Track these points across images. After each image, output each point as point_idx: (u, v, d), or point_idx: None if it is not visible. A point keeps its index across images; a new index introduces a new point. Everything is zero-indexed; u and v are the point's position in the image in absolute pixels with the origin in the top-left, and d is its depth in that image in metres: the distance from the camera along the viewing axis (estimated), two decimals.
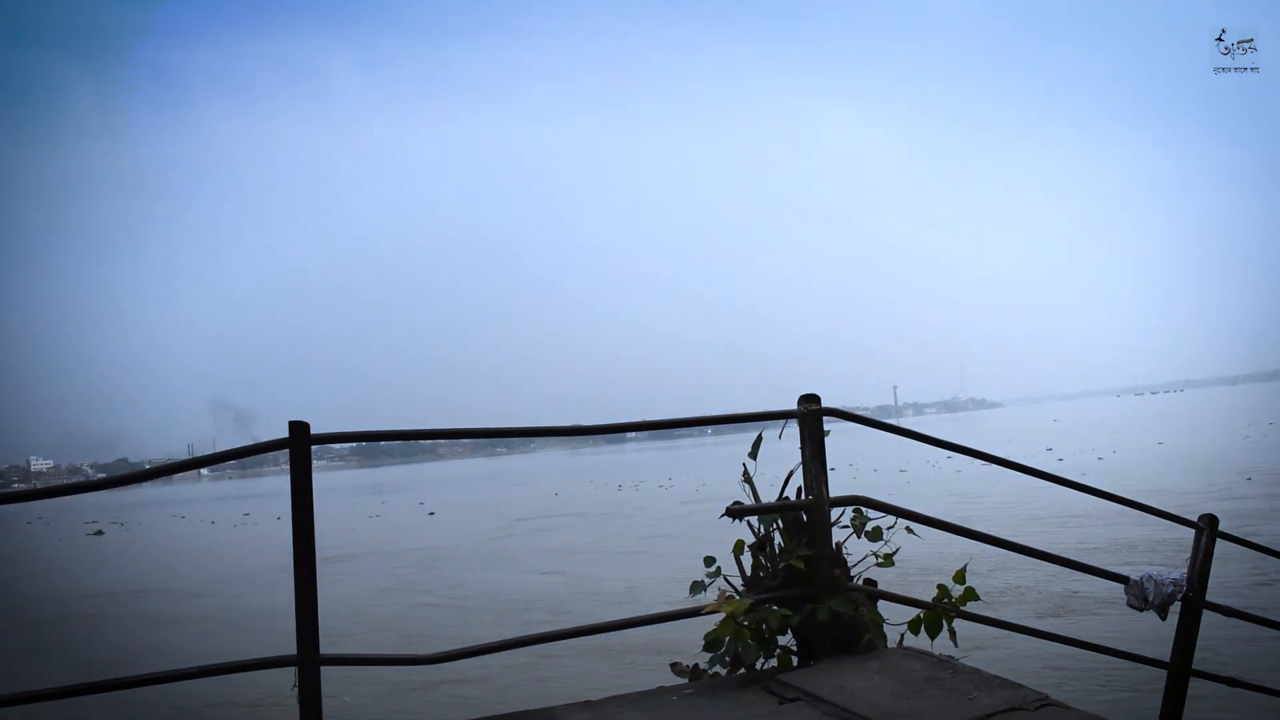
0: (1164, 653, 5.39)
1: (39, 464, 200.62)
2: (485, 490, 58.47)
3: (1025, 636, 5.29)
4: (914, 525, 4.83)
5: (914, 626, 4.78)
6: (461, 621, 12.31)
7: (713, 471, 54.59)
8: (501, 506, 39.30)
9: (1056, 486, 5.63)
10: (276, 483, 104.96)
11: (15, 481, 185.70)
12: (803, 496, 4.66)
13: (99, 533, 41.11)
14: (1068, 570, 5.59)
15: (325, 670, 3.85)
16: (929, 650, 4.57)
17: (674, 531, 23.03)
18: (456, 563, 20.26)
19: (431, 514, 36.47)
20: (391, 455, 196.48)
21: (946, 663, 4.31)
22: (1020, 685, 3.97)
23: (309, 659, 3.84)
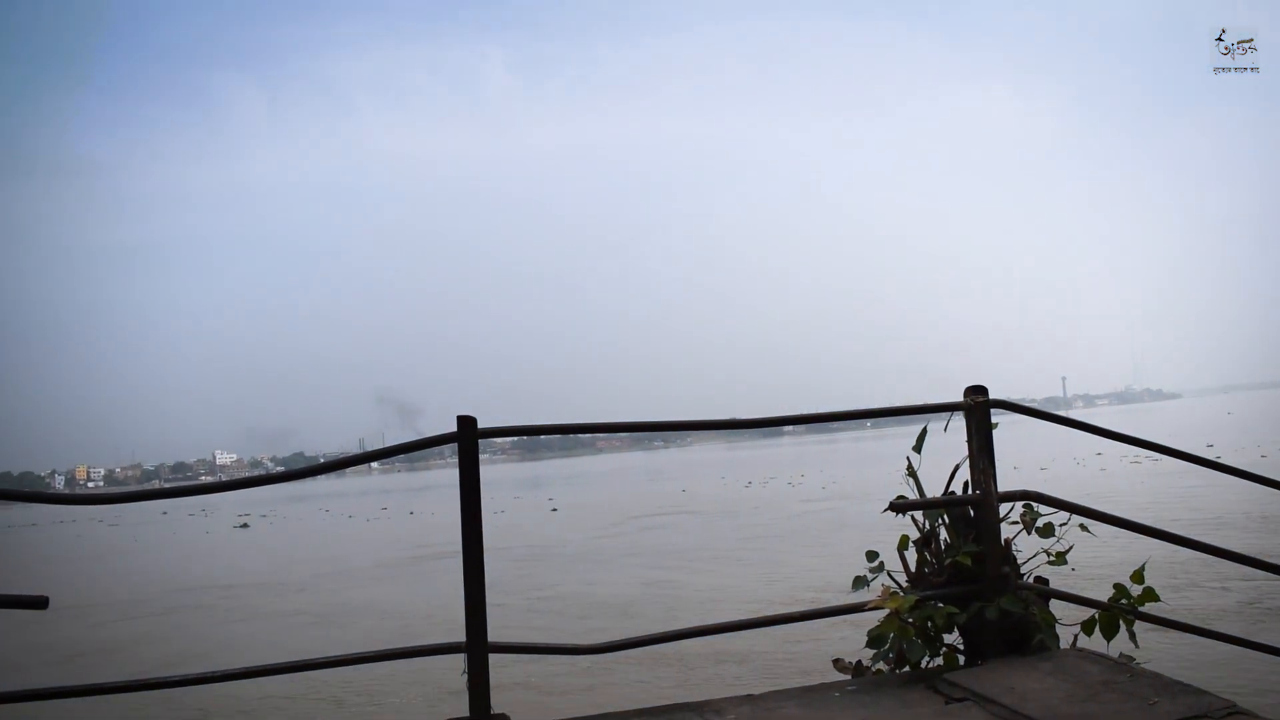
0: None
1: (223, 457, 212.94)
2: (620, 485, 58.70)
3: (1210, 641, 5.02)
4: (1088, 522, 4.65)
5: (1088, 627, 4.59)
6: (525, 624, 12.29)
7: (852, 467, 53.65)
8: (625, 503, 39.29)
9: (1249, 484, 5.31)
10: (439, 475, 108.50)
11: (203, 474, 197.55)
12: (969, 491, 4.54)
13: (244, 525, 42.81)
14: (1252, 571, 5.26)
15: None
16: (1104, 652, 4.38)
17: (778, 533, 22.57)
18: (549, 562, 20.22)
19: (554, 510, 36.81)
20: (551, 449, 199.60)
21: (1124, 665, 4.12)
22: (1205, 691, 3.76)
23: (478, 646, 3.95)
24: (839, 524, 23.27)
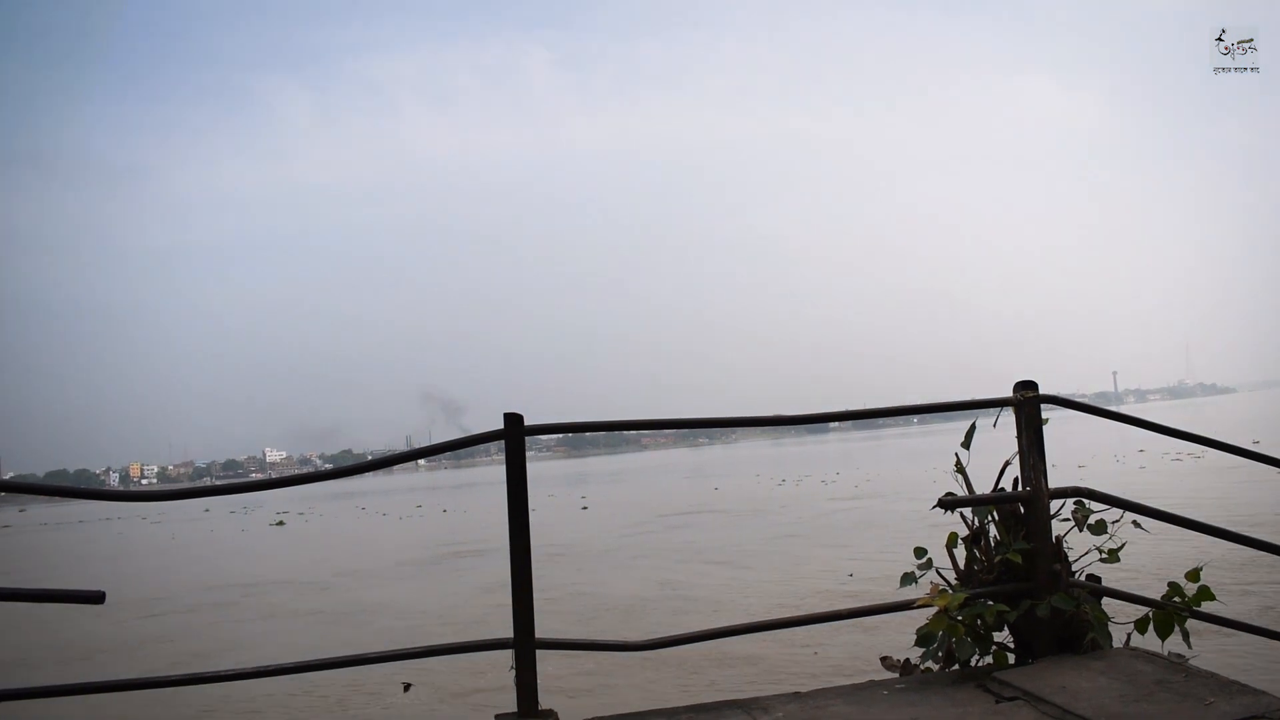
0: None
1: (273, 455, 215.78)
2: (656, 483, 58.37)
3: (1267, 640, 4.93)
4: (1142, 519, 4.58)
5: (1141, 626, 4.54)
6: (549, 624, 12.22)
7: (890, 465, 53.07)
8: (656, 501, 38.95)
9: None
10: (484, 473, 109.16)
11: (253, 471, 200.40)
12: (1019, 487, 4.50)
13: (280, 523, 42.85)
14: None
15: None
16: (1158, 652, 4.32)
17: (800, 533, 22.22)
18: (567, 562, 20.04)
19: (584, 509, 36.72)
20: (597, 446, 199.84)
21: (1179, 665, 4.06)
22: (1263, 692, 3.69)
23: (525, 642, 3.98)
24: (864, 523, 23.05)
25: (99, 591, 4.00)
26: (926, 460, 51.34)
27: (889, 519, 23.16)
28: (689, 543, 22.25)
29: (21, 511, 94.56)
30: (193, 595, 19.33)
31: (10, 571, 28.64)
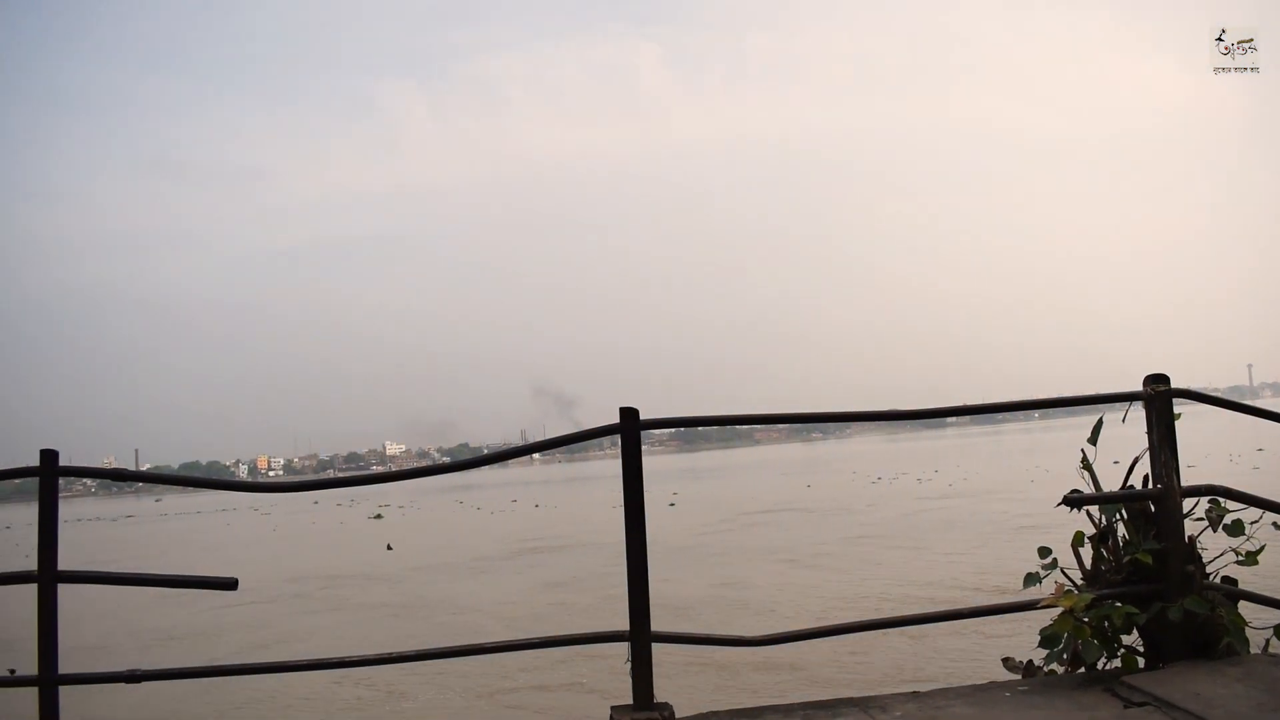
0: None
1: (393, 448, 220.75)
2: (752, 479, 57.60)
3: None
4: None
5: None
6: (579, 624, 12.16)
7: (996, 462, 51.70)
8: (744, 498, 38.39)
9: None
10: (596, 467, 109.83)
11: (374, 464, 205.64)
12: (1150, 485, 4.33)
13: (378, 517, 43.40)
14: None
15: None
16: None
17: (878, 533, 21.63)
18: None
19: (671, 505, 36.30)
20: (709, 440, 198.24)
21: None
22: None
23: (641, 635, 4.00)
24: (946, 524, 22.46)
25: (232, 579, 4.17)
26: (1035, 458, 49.93)
27: (971, 521, 22.69)
28: (760, 542, 22.02)
29: (158, 501, 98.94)
30: (274, 587, 19.88)
31: (118, 560, 29.89)
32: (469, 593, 17.34)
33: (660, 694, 4.02)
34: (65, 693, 3.95)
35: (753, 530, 25.15)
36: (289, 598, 17.73)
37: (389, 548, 27.31)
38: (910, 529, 22.02)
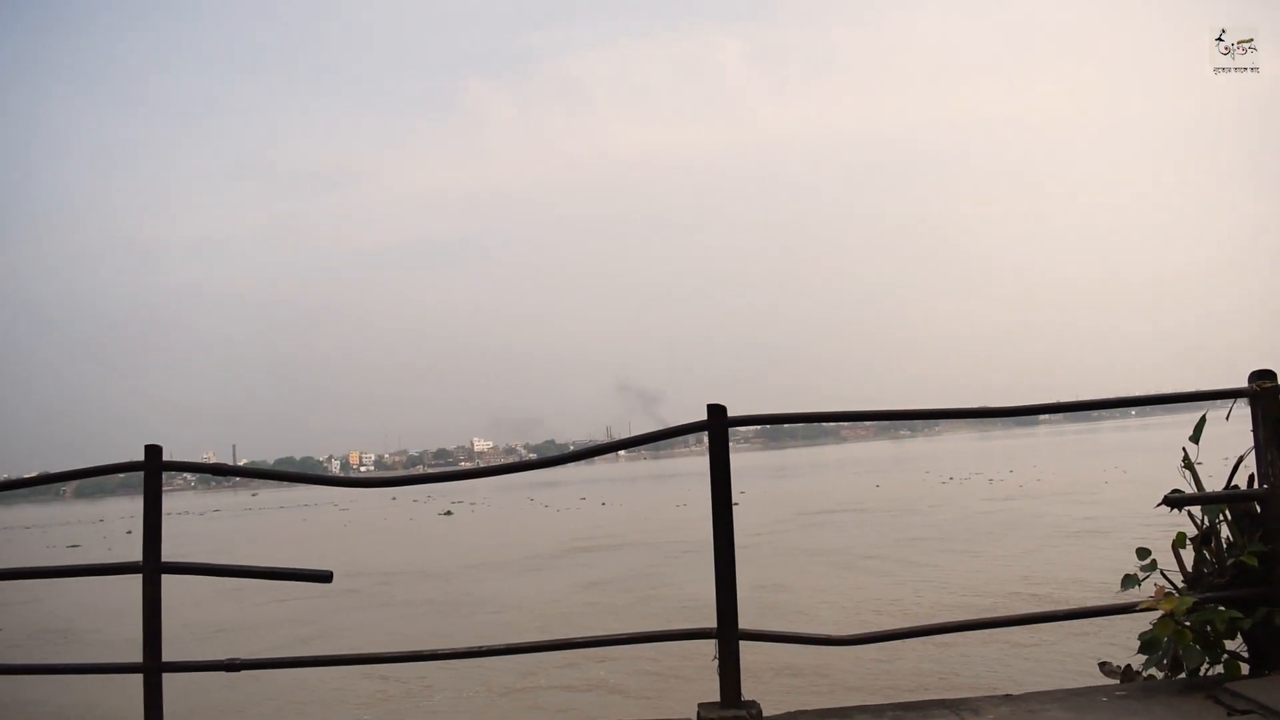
0: None
1: (480, 444, 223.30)
2: (824, 477, 56.72)
3: None
4: None
5: None
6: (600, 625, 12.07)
7: (1076, 462, 50.13)
8: (810, 497, 37.77)
9: None
10: (681, 464, 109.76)
11: (462, 460, 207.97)
12: (1256, 485, 4.18)
13: (448, 513, 43.55)
14: None
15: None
16: None
17: (935, 536, 20.99)
18: (687, 560, 19.48)
19: (735, 504, 35.92)
20: (795, 437, 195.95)
21: None
22: None
23: (729, 633, 4.00)
24: (1007, 527, 21.82)
25: (328, 571, 4.28)
26: (1118, 457, 48.43)
27: (1031, 524, 22.05)
28: (810, 544, 21.67)
29: (254, 495, 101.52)
30: (333, 583, 20.20)
31: (200, 552, 30.65)
32: (512, 592, 17.43)
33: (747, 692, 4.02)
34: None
35: (808, 531, 24.87)
36: (340, 593, 18.11)
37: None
38: (965, 532, 21.50)
